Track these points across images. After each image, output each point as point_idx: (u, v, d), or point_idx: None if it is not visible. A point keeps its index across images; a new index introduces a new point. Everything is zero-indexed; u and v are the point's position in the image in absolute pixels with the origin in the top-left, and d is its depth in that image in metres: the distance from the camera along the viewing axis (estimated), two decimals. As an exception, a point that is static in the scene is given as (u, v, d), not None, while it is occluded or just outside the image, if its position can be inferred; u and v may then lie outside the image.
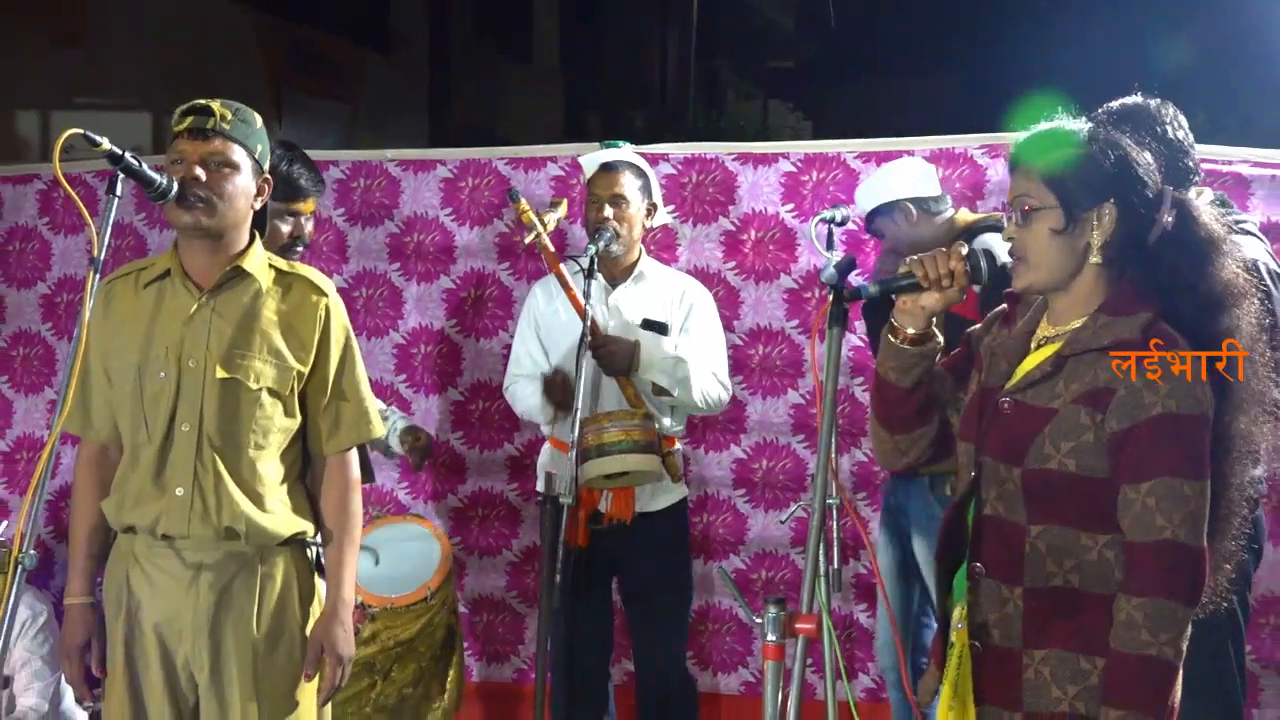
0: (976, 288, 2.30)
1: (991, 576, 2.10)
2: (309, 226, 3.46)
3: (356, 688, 3.28)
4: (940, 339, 2.23)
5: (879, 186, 3.59)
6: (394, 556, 3.55)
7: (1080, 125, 2.14)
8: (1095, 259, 2.09)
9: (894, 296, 2.21)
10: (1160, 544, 1.96)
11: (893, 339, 2.22)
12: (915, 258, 2.17)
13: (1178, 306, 2.06)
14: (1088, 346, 2.06)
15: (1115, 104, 2.97)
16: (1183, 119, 2.95)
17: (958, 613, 2.19)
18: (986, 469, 2.12)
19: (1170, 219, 2.08)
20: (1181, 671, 2.04)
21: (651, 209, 3.69)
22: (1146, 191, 2.08)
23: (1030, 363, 2.14)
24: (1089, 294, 2.11)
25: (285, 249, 3.43)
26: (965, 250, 2.14)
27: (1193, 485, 1.98)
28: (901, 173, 3.64)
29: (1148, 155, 2.12)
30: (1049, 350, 2.11)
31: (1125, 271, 2.10)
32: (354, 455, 2.74)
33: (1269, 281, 2.75)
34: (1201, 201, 2.23)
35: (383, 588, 3.44)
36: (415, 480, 4.33)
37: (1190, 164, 2.91)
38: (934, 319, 2.20)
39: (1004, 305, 2.27)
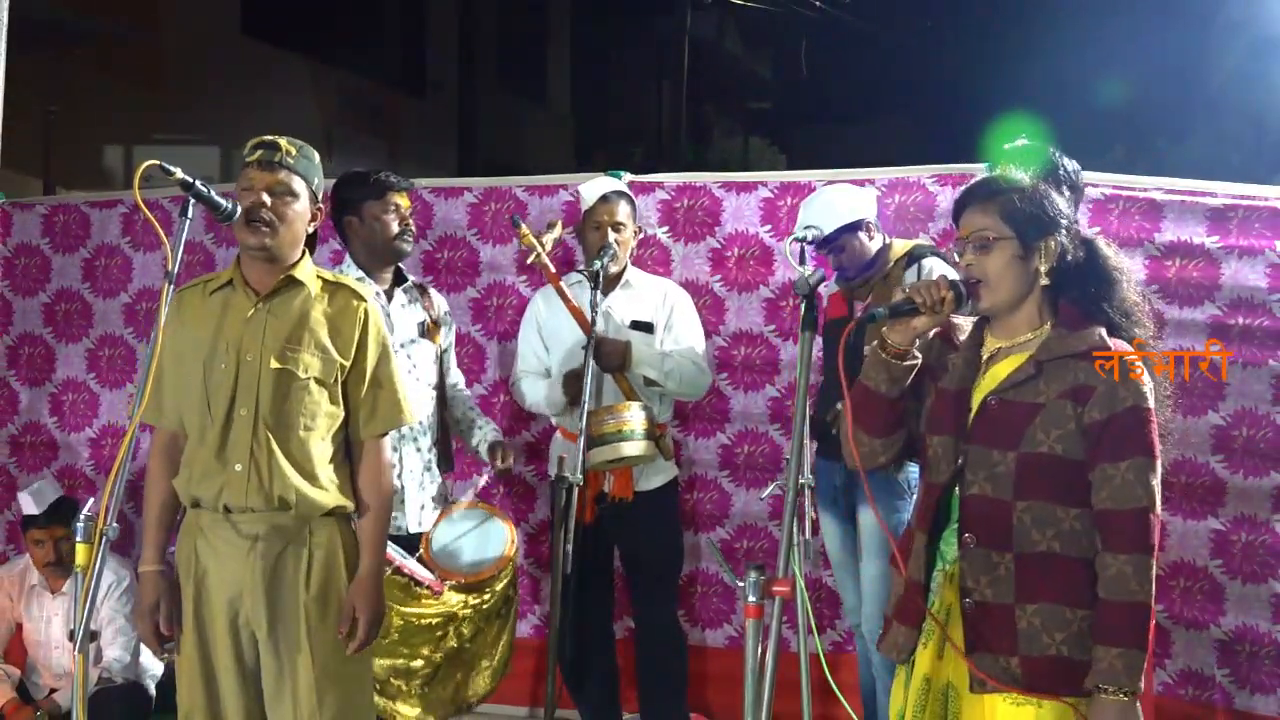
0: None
1: (982, 545, 2.14)
2: (410, 218, 3.51)
3: (436, 635, 3.25)
4: (919, 356, 2.28)
5: (845, 206, 3.47)
6: (467, 538, 3.50)
7: (1023, 173, 2.25)
8: (1044, 282, 2.20)
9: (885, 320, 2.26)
10: (1139, 510, 2.07)
11: (883, 355, 2.26)
12: (914, 284, 2.25)
13: (1097, 305, 2.19)
14: (1064, 352, 2.15)
15: (1022, 143, 3.07)
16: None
17: (940, 576, 2.24)
18: (974, 456, 2.17)
19: (1081, 254, 2.21)
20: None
21: (637, 230, 3.74)
22: (1071, 228, 2.22)
23: (1005, 369, 2.21)
24: (1035, 312, 2.22)
25: (398, 239, 3.47)
26: (950, 280, 2.22)
27: (1154, 462, 2.09)
28: (860, 195, 3.58)
29: (1065, 198, 2.27)
30: (1021, 358, 2.19)
31: (1058, 293, 2.21)
32: (388, 441, 2.73)
33: None
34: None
35: (458, 565, 3.39)
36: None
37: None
38: (915, 340, 2.26)
39: (936, 329, 2.35)
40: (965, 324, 2.34)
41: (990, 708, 2.12)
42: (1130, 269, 2.26)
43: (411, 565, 3.14)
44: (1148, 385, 2.12)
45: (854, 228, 3.45)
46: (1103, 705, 2.02)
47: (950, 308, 2.20)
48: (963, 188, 2.34)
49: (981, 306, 2.23)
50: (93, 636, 3.91)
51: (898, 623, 2.29)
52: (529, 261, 3.63)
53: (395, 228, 3.45)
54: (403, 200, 3.49)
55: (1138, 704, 2.03)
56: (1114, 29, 13.77)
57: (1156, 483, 2.09)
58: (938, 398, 2.27)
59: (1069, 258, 2.19)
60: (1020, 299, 2.20)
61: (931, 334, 2.35)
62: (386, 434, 2.72)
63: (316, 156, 2.66)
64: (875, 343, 2.28)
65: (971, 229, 2.21)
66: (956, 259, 2.27)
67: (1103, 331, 2.15)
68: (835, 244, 3.46)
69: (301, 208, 2.59)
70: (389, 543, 3.07)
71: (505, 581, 3.44)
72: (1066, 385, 2.12)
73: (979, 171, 3.61)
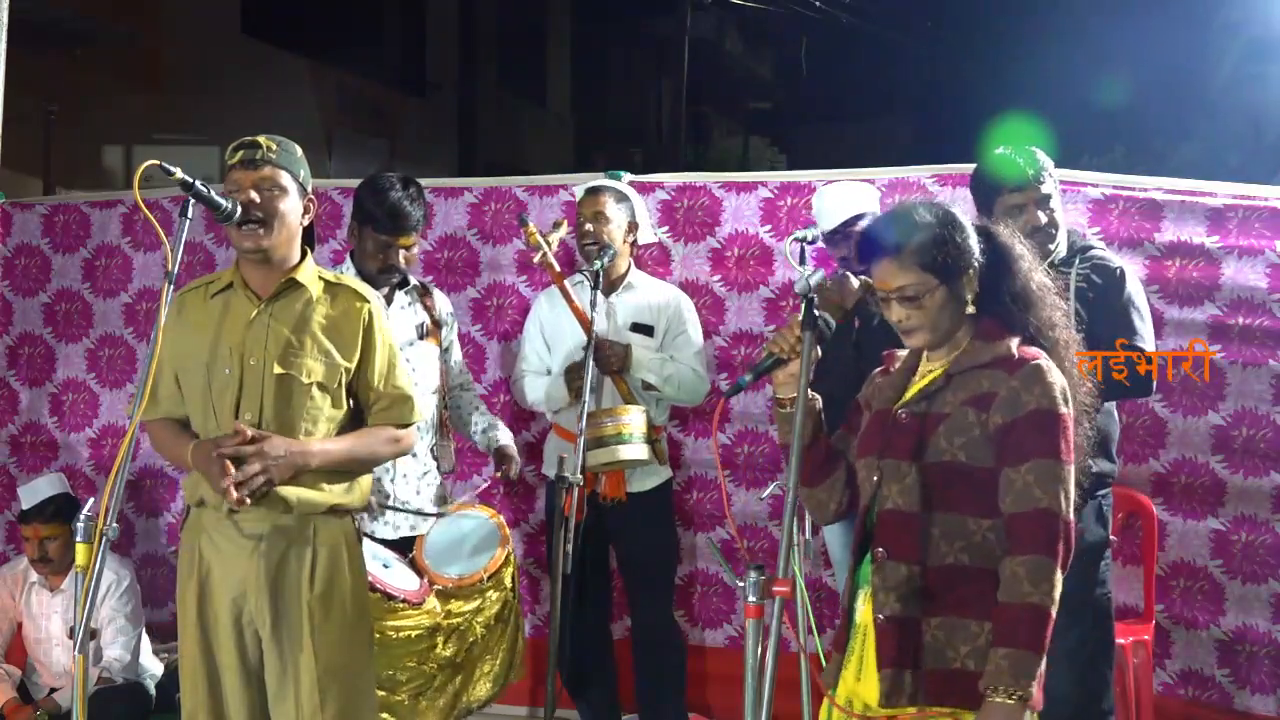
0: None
1: (892, 559, 2.13)
2: (404, 257, 3.42)
3: (420, 646, 3.22)
4: (819, 397, 2.30)
5: (853, 199, 3.50)
6: (461, 541, 3.46)
7: (922, 210, 2.19)
8: (970, 310, 2.18)
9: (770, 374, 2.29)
10: (1038, 512, 2.04)
11: (779, 409, 2.31)
12: (769, 339, 2.27)
13: (1008, 309, 2.18)
14: (971, 364, 2.15)
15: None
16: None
17: (862, 597, 2.20)
18: (887, 470, 2.16)
19: (982, 243, 2.19)
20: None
21: (633, 226, 3.71)
22: (975, 241, 2.18)
23: (921, 383, 2.22)
24: (964, 334, 2.21)
25: (380, 274, 3.41)
26: (801, 318, 2.21)
27: (1062, 467, 2.06)
28: (866, 191, 3.58)
29: (959, 210, 2.21)
30: (938, 371, 2.20)
31: (983, 310, 2.20)
32: (410, 430, 2.73)
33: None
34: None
35: (447, 569, 3.35)
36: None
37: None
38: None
39: (883, 366, 2.36)
40: (902, 354, 2.33)
41: None
42: (1033, 255, 2.24)
43: (384, 579, 3.11)
44: (1058, 389, 2.09)
45: (861, 219, 3.44)
46: (988, 708, 1.98)
47: (812, 344, 2.20)
48: (861, 229, 2.32)
49: (915, 345, 2.23)
50: (93, 634, 3.92)
51: (835, 651, 2.27)
52: (535, 261, 3.62)
53: (381, 264, 3.38)
54: (405, 243, 3.40)
55: (1026, 710, 1.98)
56: (1114, 29, 13.77)
57: (1063, 486, 2.05)
58: (867, 420, 2.29)
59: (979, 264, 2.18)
60: (953, 333, 2.19)
61: (875, 372, 2.37)
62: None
63: (299, 150, 2.65)
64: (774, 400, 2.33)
65: (893, 286, 2.17)
66: (879, 306, 2.25)
67: (1014, 343, 2.14)
68: (844, 233, 3.47)
69: (292, 201, 2.58)
70: (371, 555, 3.06)
71: (502, 585, 3.42)
72: (971, 393, 2.12)
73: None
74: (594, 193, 3.67)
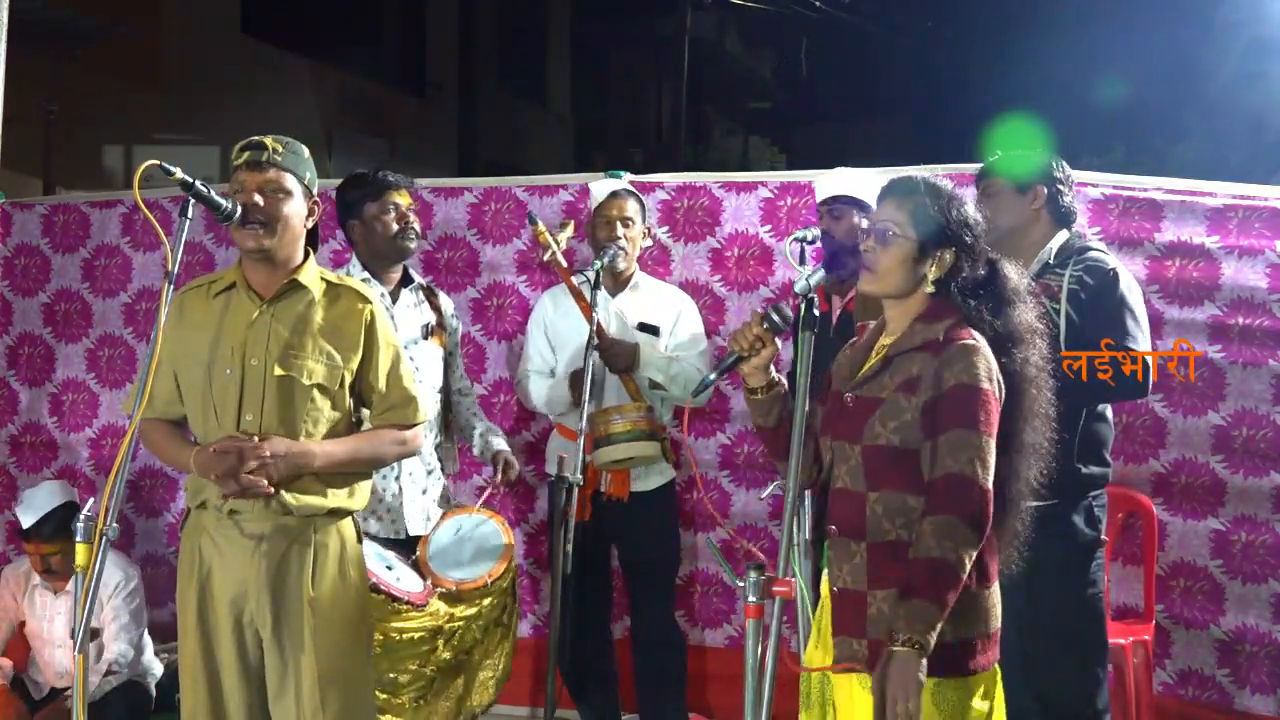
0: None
1: (843, 535, 2.24)
2: (412, 215, 3.47)
3: (422, 649, 3.21)
4: (783, 379, 2.36)
5: (863, 184, 3.45)
6: (464, 544, 3.45)
7: (946, 183, 2.32)
8: (929, 289, 2.26)
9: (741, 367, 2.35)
10: (947, 476, 2.11)
11: (749, 396, 2.39)
12: (732, 336, 2.34)
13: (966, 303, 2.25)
14: (906, 347, 2.24)
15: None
16: (1066, 166, 3.17)
17: (826, 573, 2.33)
18: (837, 451, 2.28)
19: (983, 272, 2.27)
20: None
21: (646, 231, 3.75)
22: (974, 246, 2.27)
23: (871, 362, 2.32)
24: (916, 310, 2.28)
25: (398, 237, 3.43)
26: (761, 315, 2.29)
27: (977, 436, 2.12)
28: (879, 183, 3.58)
29: (979, 216, 2.31)
30: (883, 353, 2.29)
31: (945, 297, 2.27)
32: (416, 431, 2.75)
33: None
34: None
35: (451, 572, 3.35)
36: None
37: (1069, 204, 3.12)
38: (770, 368, 2.35)
39: (855, 337, 2.45)
40: (871, 324, 2.42)
41: (849, 688, 2.22)
42: (1032, 295, 2.31)
43: (390, 581, 3.11)
44: (981, 366, 2.15)
45: (861, 205, 3.42)
46: (887, 656, 2.04)
47: (771, 340, 2.29)
48: (891, 178, 2.41)
49: (861, 288, 2.33)
50: (94, 634, 3.92)
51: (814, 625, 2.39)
52: (544, 259, 3.64)
53: (394, 227, 3.42)
54: (402, 198, 3.46)
55: (922, 660, 2.01)
56: (1113, 29, 13.78)
57: (978, 455, 2.10)
58: (829, 400, 2.38)
59: (965, 274, 2.26)
60: (901, 295, 2.27)
61: (849, 342, 2.44)
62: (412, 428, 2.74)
63: (305, 151, 2.65)
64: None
65: (880, 218, 2.28)
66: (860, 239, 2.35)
67: (949, 324, 2.21)
68: (834, 209, 3.46)
69: (296, 204, 2.58)
70: (374, 555, 3.06)
71: (503, 589, 3.42)
72: (903, 378, 2.21)
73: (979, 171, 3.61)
74: (617, 196, 3.68)
